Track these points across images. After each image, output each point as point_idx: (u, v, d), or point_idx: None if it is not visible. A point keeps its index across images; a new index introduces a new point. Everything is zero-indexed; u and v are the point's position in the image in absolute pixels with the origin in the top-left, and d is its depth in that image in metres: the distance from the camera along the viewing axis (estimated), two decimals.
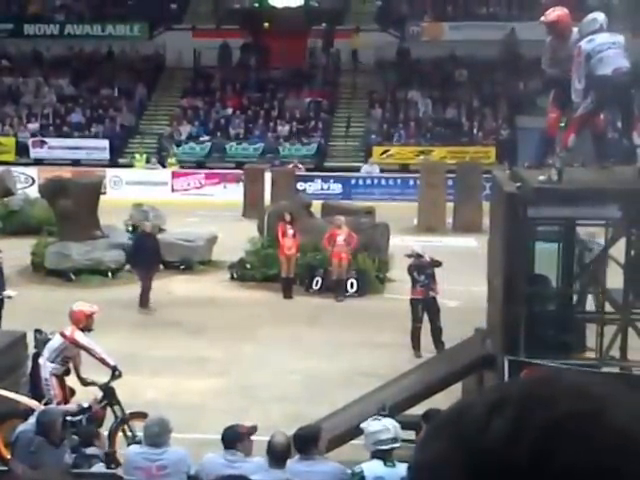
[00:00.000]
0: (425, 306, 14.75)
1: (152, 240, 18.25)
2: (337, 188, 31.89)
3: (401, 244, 18.59)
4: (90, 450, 9.10)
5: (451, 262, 16.34)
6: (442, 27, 39.29)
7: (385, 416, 7.87)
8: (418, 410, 9.17)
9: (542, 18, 10.15)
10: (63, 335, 10.55)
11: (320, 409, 10.97)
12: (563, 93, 9.71)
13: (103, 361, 10.49)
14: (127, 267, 19.17)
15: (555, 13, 10.06)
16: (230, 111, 37.90)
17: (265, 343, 15.23)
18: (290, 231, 18.78)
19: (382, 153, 35.14)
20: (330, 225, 18.98)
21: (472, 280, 15.24)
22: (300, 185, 30.40)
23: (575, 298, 10.85)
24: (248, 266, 19.75)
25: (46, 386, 10.42)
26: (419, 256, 14.96)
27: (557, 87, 10.00)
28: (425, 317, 14.83)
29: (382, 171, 32.87)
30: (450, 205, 26.46)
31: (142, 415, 9.53)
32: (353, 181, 32.29)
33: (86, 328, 10.65)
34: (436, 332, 14.68)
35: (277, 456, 6.94)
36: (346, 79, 39.52)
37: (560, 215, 10.52)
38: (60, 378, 10.54)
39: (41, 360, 10.57)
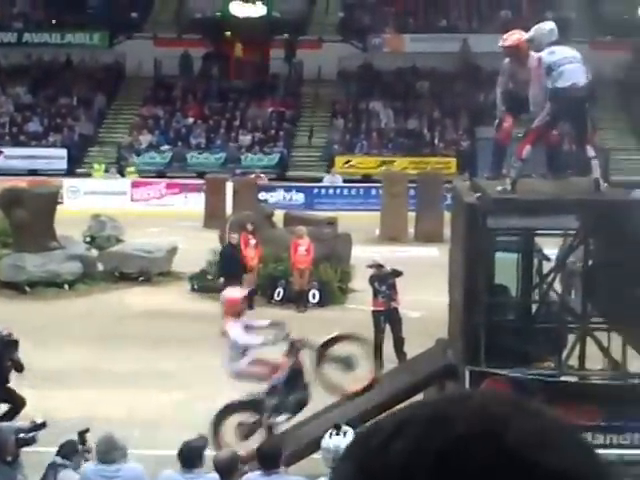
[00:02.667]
0: (387, 317, 14.77)
1: (238, 252, 18.24)
2: (299, 198, 31.87)
3: (363, 254, 18.58)
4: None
5: (413, 272, 16.35)
6: (403, 39, 39.62)
7: (339, 432, 7.83)
8: None
9: (501, 42, 10.18)
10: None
11: (285, 423, 10.88)
12: (518, 104, 9.78)
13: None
14: (220, 280, 18.12)
15: (515, 37, 10.04)
16: (191, 120, 37.76)
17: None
18: (252, 241, 18.70)
19: (344, 163, 35.21)
20: (292, 235, 18.93)
21: (434, 290, 15.24)
22: (262, 195, 30.32)
23: (534, 308, 10.90)
24: (209, 277, 19.61)
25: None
26: (380, 266, 14.97)
27: (512, 99, 10.05)
28: (387, 328, 14.84)
29: (344, 181, 32.92)
30: (412, 215, 26.54)
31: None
32: (315, 191, 32.29)
33: (239, 314, 10.59)
34: (398, 343, 14.68)
35: (224, 471, 6.85)
36: (309, 89, 39.58)
37: (519, 225, 10.58)
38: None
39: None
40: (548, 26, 9.79)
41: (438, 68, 38.00)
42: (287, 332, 10.44)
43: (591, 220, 9.76)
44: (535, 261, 11.24)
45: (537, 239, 11.31)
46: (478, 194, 9.63)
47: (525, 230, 10.82)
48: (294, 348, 10.36)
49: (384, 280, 14.83)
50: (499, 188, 9.28)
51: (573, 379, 9.53)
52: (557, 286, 11.06)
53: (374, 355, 14.71)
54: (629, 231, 8.86)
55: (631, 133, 36.33)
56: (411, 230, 26.41)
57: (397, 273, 14.92)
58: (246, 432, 10.19)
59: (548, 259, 11.42)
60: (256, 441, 9.36)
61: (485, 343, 9.24)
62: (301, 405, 10.28)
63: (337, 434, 7.86)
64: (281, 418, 10.17)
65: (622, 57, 38.94)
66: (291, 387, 10.25)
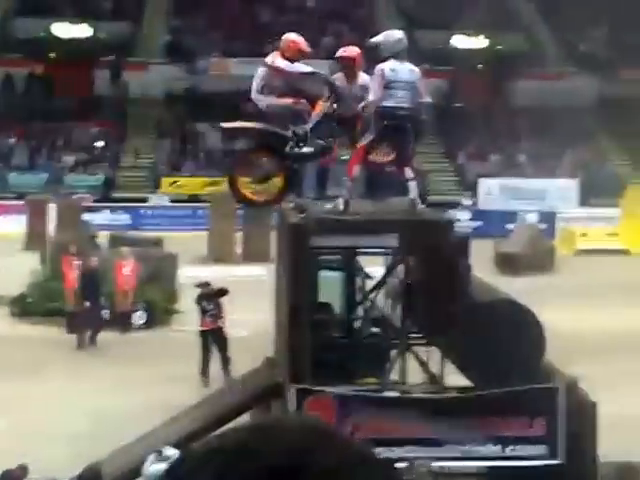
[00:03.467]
0: (213, 337, 14.82)
1: (97, 275, 17.89)
2: (125, 219, 31.39)
3: (190, 275, 18.51)
4: None
5: (240, 292, 16.44)
6: (230, 62, 39.95)
7: (161, 457, 7.77)
8: None
9: (339, 53, 10.30)
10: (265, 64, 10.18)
11: (109, 446, 10.68)
12: (346, 125, 9.96)
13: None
14: (86, 304, 17.77)
15: (355, 50, 10.24)
16: (13, 141, 36.52)
17: (50, 380, 14.68)
18: (76, 263, 18.27)
19: (171, 184, 34.99)
20: (116, 256, 18.63)
21: (261, 309, 15.38)
22: (86, 216, 29.62)
23: (358, 325, 11.19)
24: (30, 300, 18.99)
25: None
26: (207, 285, 15.04)
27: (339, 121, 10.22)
28: (214, 347, 14.87)
29: (171, 201, 32.70)
30: (240, 235, 26.65)
31: None
32: (141, 212, 31.91)
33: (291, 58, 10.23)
34: (225, 362, 14.73)
35: None
36: (134, 110, 39.17)
37: (342, 245, 10.85)
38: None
39: (252, 94, 10.29)
40: (397, 35, 9.80)
41: None
42: (324, 75, 10.23)
43: (409, 239, 10.14)
44: (358, 279, 11.56)
45: (360, 258, 11.64)
46: (302, 214, 9.82)
47: (348, 249, 11.12)
48: (331, 93, 10.00)
49: (211, 300, 14.91)
50: (330, 207, 9.37)
51: (395, 394, 9.82)
52: (379, 303, 11.41)
53: (201, 376, 14.71)
54: (444, 250, 9.26)
55: (445, 156, 37.91)
56: (239, 250, 26.51)
57: (223, 292, 15.01)
58: (262, 177, 10.04)
59: (370, 277, 11.75)
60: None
61: (310, 361, 9.40)
62: (324, 150, 9.94)
63: (160, 459, 7.78)
64: (306, 149, 9.82)
65: (438, 84, 40.67)
66: (318, 133, 9.95)
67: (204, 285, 15.02)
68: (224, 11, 42.70)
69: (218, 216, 26.80)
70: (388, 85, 9.29)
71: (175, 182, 35.18)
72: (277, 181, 10.10)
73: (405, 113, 9.31)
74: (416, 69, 9.62)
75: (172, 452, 7.75)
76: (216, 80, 38.83)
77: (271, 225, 24.49)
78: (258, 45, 41.47)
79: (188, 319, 16.96)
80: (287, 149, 9.85)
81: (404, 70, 9.44)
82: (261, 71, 10.41)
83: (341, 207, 9.31)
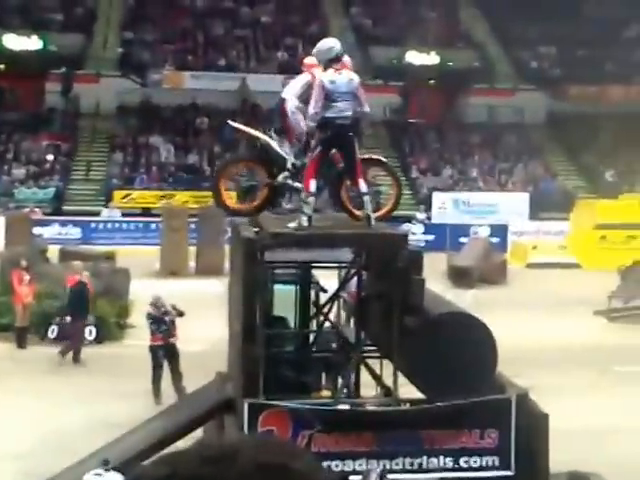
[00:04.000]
0: (165, 352, 14.74)
1: (87, 290, 17.49)
2: (76, 233, 31.06)
3: (143, 289, 18.37)
4: None
5: (194, 306, 16.35)
6: (183, 76, 39.89)
7: (107, 470, 7.70)
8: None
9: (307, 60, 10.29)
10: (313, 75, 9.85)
11: (61, 463, 10.54)
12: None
13: None
14: (67, 319, 17.50)
15: (310, 59, 10.22)
16: None
17: (0, 396, 14.46)
18: (26, 278, 18.05)
19: (123, 197, 34.73)
20: (67, 271, 18.44)
21: (214, 324, 15.32)
22: (37, 230, 29.30)
23: (311, 338, 11.20)
24: None
25: (295, 120, 9.78)
26: (158, 302, 15.00)
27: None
28: (165, 363, 14.80)
29: (123, 215, 32.46)
30: (193, 249, 26.54)
31: None
32: (93, 225, 31.62)
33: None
34: (176, 378, 14.65)
35: None
36: (86, 123, 38.88)
37: (297, 259, 10.87)
38: None
39: (285, 95, 9.93)
40: (328, 44, 9.78)
41: (218, 105, 38.54)
42: None
43: (363, 253, 10.19)
44: (312, 293, 11.58)
45: (314, 271, 11.66)
46: (256, 229, 9.81)
47: (302, 263, 11.14)
48: None
49: (165, 315, 14.85)
50: (293, 224, 9.31)
51: (348, 407, 9.83)
52: (333, 316, 11.44)
53: (153, 391, 14.59)
54: (397, 263, 9.31)
55: (399, 171, 38.07)
56: (192, 264, 26.38)
57: (180, 313, 15.02)
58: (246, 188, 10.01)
59: (325, 290, 11.78)
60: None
61: (264, 375, 9.38)
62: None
63: (106, 469, 7.68)
64: (298, 185, 9.65)
65: (390, 99, 41.00)
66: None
67: (156, 301, 14.96)
68: (177, 24, 42.61)
69: (171, 230, 26.68)
70: (328, 96, 9.30)
71: (127, 196, 34.94)
72: (262, 192, 10.04)
73: (347, 123, 9.32)
74: (355, 78, 9.56)
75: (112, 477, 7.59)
76: (169, 93, 38.75)
77: (225, 239, 24.49)
78: (211, 59, 41.50)
79: (140, 334, 16.81)
80: (280, 178, 9.79)
81: (343, 80, 9.43)
82: (307, 79, 10.10)
83: (305, 224, 9.27)
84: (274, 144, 9.91)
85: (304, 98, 9.79)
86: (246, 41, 42.23)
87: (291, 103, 9.90)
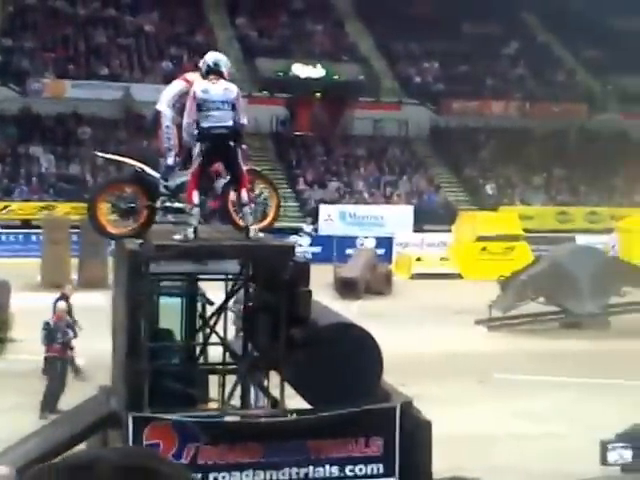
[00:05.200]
0: (63, 364, 14.46)
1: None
2: None
3: (24, 302, 17.91)
4: None
5: (77, 319, 16.04)
6: (64, 84, 39.12)
7: None
8: None
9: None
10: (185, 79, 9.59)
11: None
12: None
13: None
14: None
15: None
16: None
17: None
18: None
19: (2, 209, 33.79)
20: None
21: (98, 337, 15.03)
22: None
23: (197, 351, 11.13)
24: None
25: (167, 135, 9.54)
26: (57, 312, 14.80)
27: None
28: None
29: (3, 227, 31.57)
30: (75, 261, 26.00)
31: None
32: None
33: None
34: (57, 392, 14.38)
35: None
36: None
37: (183, 270, 10.78)
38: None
39: (160, 107, 9.64)
40: (209, 55, 9.73)
41: (100, 115, 38.00)
42: None
43: (250, 265, 10.20)
44: (199, 305, 11.50)
45: (201, 283, 11.59)
46: (141, 241, 9.70)
47: (188, 275, 11.06)
48: None
49: (61, 326, 14.66)
50: (179, 236, 9.22)
51: (235, 419, 9.81)
52: (221, 328, 11.39)
53: (41, 404, 14.21)
54: (284, 275, 9.35)
55: (286, 182, 38.29)
56: (74, 276, 25.84)
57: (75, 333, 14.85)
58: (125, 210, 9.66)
59: (211, 303, 11.71)
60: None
61: (149, 388, 9.27)
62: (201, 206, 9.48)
63: None
64: (178, 204, 9.56)
65: (277, 111, 41.20)
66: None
67: (55, 312, 14.72)
68: (58, 32, 41.75)
69: (52, 242, 26.10)
70: (201, 106, 9.26)
71: (6, 207, 34.02)
72: (142, 214, 9.80)
73: (225, 132, 9.28)
74: (233, 88, 9.49)
75: None
76: (50, 102, 37.91)
77: (108, 251, 24.08)
78: (94, 68, 40.77)
79: (23, 347, 16.39)
80: (159, 203, 9.66)
81: (217, 89, 9.36)
82: (180, 86, 9.89)
83: (191, 236, 9.21)
84: (147, 169, 9.79)
85: (178, 107, 9.70)
86: (129, 50, 41.70)
87: (165, 118, 9.75)
